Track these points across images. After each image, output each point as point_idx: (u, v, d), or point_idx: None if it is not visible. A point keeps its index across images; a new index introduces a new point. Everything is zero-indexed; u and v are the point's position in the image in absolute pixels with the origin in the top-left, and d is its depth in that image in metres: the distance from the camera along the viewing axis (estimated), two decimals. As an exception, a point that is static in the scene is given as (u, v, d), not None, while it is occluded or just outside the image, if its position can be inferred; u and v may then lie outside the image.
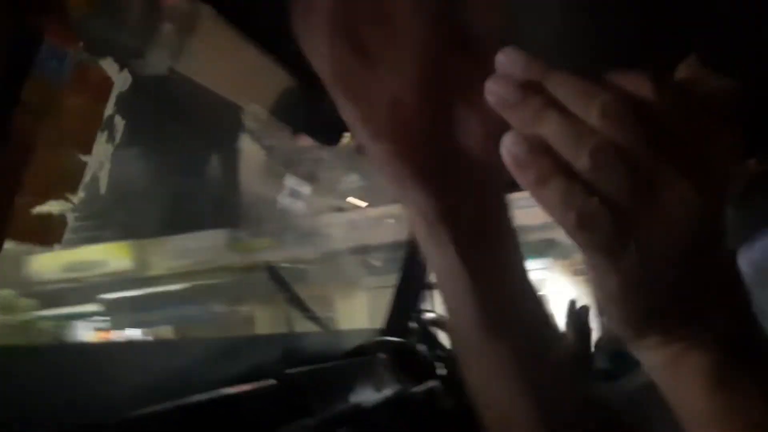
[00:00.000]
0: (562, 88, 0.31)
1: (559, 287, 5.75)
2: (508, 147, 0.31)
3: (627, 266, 0.31)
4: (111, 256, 14.05)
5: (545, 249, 6.46)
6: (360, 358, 1.38)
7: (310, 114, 1.10)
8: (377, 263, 6.91)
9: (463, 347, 0.45)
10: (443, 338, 1.60)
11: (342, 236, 7.91)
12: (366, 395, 1.19)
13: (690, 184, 0.29)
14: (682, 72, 0.49)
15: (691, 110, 0.30)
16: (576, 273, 6.07)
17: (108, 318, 9.18)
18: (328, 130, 1.22)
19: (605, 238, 0.30)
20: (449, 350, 1.55)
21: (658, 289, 0.32)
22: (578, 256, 0.37)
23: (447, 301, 0.43)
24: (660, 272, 0.31)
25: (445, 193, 0.39)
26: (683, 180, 0.29)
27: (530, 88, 0.31)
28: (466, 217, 0.39)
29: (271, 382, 1.01)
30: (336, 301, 7.79)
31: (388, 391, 1.25)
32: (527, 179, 0.31)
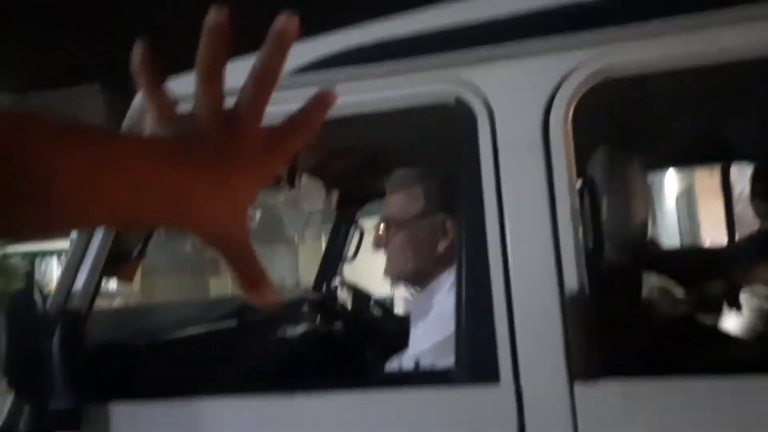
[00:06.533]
0: None
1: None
2: None
3: None
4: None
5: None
6: (294, 308, 2.26)
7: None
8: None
9: None
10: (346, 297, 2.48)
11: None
12: (296, 330, 2.07)
13: None
14: None
15: None
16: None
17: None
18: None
19: None
20: (353, 306, 2.42)
21: None
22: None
23: None
24: None
25: None
26: None
27: None
28: None
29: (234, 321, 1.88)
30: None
31: (308, 327, 2.14)
32: None
